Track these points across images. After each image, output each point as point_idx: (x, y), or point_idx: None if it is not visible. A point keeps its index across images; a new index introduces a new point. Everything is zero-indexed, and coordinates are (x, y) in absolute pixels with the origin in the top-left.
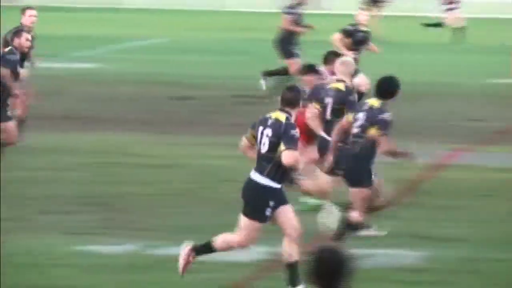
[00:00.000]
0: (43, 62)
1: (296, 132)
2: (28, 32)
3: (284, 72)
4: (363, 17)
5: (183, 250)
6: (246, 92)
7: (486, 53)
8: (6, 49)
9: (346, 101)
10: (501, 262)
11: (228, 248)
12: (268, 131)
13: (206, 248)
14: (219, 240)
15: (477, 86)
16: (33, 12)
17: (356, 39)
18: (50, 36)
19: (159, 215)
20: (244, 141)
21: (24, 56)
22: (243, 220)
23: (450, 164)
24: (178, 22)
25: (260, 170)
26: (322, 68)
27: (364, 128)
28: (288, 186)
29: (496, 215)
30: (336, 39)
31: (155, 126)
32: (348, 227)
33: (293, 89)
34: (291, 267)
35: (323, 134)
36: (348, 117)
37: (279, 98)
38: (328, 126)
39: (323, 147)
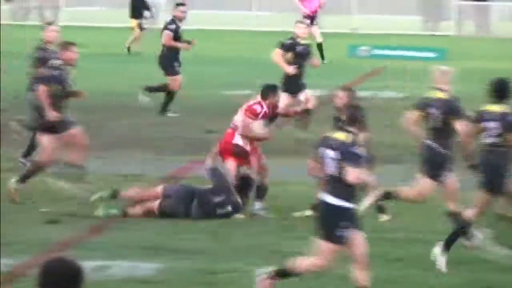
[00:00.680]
0: None
1: (359, 150)
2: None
3: (164, 88)
4: (300, 30)
5: (261, 278)
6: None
7: (219, 65)
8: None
9: (453, 109)
10: (235, 272)
11: (306, 271)
12: (331, 151)
13: (284, 273)
14: (297, 264)
15: (211, 97)
16: (55, 27)
17: (297, 52)
18: None
19: None
20: (310, 163)
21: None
22: (319, 243)
23: (187, 176)
24: None
25: (328, 191)
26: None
27: (501, 135)
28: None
29: (232, 227)
30: (277, 55)
31: None
32: (461, 225)
33: (354, 108)
34: None
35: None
36: (465, 124)
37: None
38: (436, 135)
39: (433, 156)
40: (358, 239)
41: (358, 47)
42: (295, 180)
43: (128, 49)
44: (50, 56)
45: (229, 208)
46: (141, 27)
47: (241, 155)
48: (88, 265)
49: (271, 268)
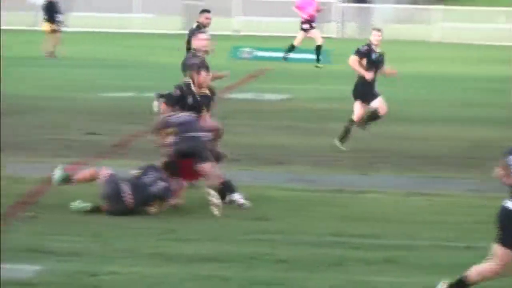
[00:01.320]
0: None
1: None
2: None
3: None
4: (375, 37)
5: None
6: None
7: (98, 67)
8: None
9: None
10: (119, 274)
11: (483, 279)
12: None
13: (460, 285)
14: (473, 273)
15: (92, 99)
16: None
17: (371, 60)
18: None
19: None
20: (498, 170)
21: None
22: (497, 248)
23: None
24: None
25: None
26: None
27: None
28: None
29: (113, 228)
30: (353, 61)
31: None
32: None
33: None
34: None
35: None
36: None
37: None
38: None
39: None
40: None
41: (240, 49)
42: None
43: (51, 54)
44: None
45: (162, 183)
46: (54, 31)
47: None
48: None
49: (443, 282)
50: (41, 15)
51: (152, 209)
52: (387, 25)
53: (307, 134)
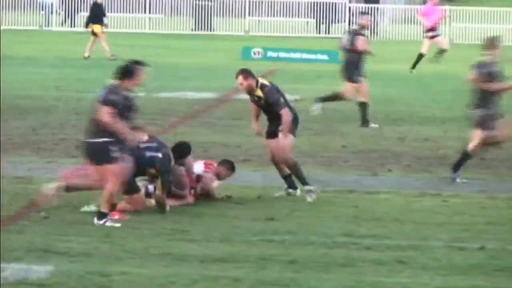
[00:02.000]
0: None
1: None
2: None
3: (336, 97)
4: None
5: None
6: None
7: (108, 66)
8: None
9: None
10: (130, 275)
11: None
12: None
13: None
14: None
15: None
16: None
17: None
18: None
19: None
20: None
21: None
22: None
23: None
24: None
25: None
26: None
27: None
28: None
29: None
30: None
31: None
32: None
33: None
34: None
35: None
36: None
37: None
38: None
39: None
40: None
41: (251, 50)
42: None
43: (111, 54)
44: None
45: (159, 154)
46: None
47: None
48: None
49: None
50: (48, 15)
51: (163, 205)
52: (394, 25)
53: (318, 135)
